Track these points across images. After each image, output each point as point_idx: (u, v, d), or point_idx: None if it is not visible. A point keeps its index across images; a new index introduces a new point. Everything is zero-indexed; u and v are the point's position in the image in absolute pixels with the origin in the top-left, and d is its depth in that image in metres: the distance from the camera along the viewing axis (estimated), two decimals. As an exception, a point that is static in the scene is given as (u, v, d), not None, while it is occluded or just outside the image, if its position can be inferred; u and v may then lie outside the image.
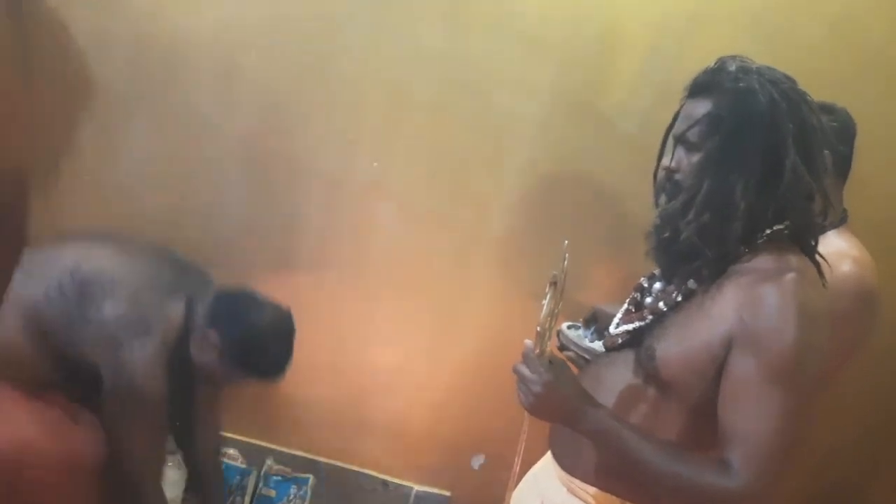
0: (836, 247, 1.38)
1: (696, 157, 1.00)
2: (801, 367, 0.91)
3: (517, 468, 1.14)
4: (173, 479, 1.68)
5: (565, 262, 1.02)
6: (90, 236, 1.44)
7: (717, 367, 0.96)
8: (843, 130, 1.43)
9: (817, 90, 1.51)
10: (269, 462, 1.93)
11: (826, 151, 1.38)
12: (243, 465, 1.92)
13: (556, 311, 1.03)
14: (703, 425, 0.98)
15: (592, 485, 1.09)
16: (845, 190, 1.45)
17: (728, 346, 0.94)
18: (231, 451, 1.88)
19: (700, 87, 1.02)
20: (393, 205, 1.72)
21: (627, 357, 1.07)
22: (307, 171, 1.76)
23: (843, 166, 1.44)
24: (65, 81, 1.73)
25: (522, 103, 1.71)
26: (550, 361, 1.01)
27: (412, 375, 1.91)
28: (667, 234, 1.04)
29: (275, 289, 1.68)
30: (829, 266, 1.34)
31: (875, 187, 1.70)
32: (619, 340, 1.10)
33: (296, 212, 1.80)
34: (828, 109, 1.42)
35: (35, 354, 1.36)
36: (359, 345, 1.89)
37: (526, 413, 1.05)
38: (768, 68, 1.00)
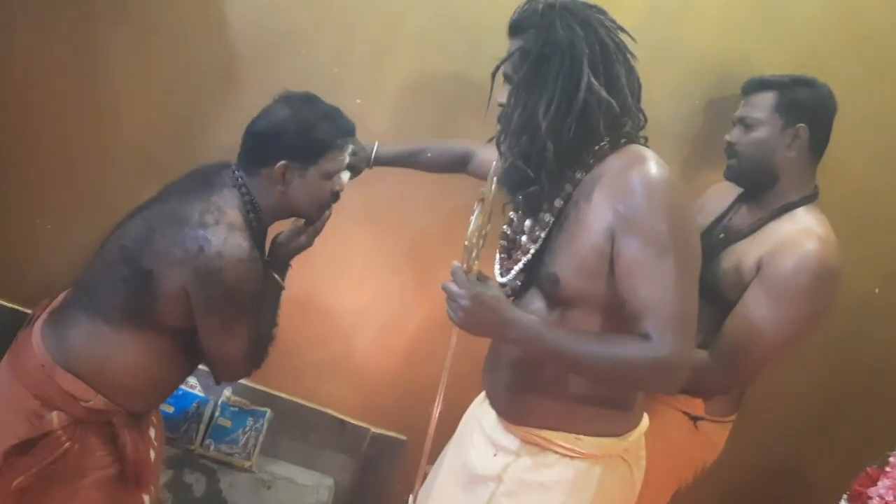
0: (803, 223, 1.42)
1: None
2: (679, 238, 1.01)
3: (442, 392, 1.19)
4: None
5: (493, 182, 1.07)
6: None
7: (609, 262, 1.03)
8: (822, 107, 1.43)
9: (812, 60, 1.51)
10: (226, 393, 1.93)
11: (802, 125, 1.42)
12: (201, 394, 1.92)
13: (484, 229, 1.08)
14: (617, 322, 1.06)
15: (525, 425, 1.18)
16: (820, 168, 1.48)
17: (611, 238, 1.02)
18: (189, 379, 1.87)
19: (514, 27, 1.12)
20: (373, 144, 1.68)
21: (534, 294, 1.14)
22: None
23: (819, 143, 1.44)
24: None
25: (514, 53, 1.68)
26: (478, 277, 1.06)
27: (379, 319, 1.92)
28: (505, 164, 1.13)
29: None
30: (796, 242, 1.38)
31: (854, 167, 1.73)
32: (518, 283, 1.16)
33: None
34: (808, 84, 1.43)
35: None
36: (329, 284, 1.88)
37: (453, 333, 1.12)
38: (573, 2, 1.08)
